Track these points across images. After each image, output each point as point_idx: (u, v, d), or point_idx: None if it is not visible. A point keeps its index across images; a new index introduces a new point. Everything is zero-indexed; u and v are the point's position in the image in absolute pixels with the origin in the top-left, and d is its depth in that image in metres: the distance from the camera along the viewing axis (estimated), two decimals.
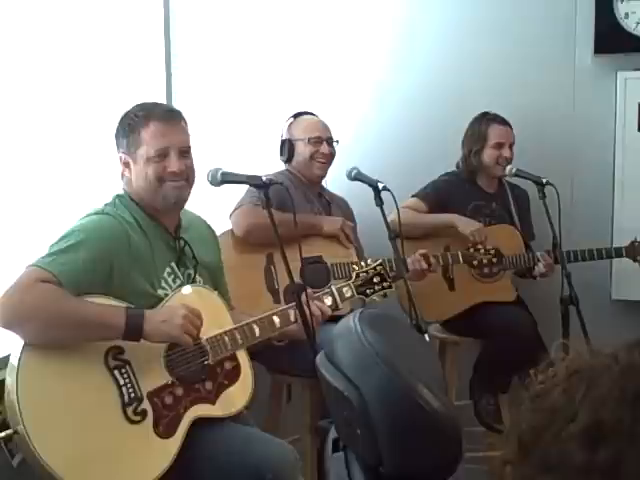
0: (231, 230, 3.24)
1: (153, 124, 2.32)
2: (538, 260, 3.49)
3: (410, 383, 1.12)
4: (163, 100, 3.54)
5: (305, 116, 3.48)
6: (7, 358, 2.18)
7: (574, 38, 3.76)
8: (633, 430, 0.76)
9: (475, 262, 3.40)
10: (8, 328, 2.09)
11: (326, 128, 3.44)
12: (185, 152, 2.38)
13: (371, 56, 4.01)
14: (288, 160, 3.43)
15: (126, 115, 2.39)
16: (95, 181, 3.12)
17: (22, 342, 2.09)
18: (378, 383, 1.13)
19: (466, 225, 3.51)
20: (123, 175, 2.41)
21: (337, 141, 3.44)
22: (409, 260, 3.18)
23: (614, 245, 3.62)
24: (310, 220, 3.28)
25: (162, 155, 2.32)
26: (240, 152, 3.82)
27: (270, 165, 3.43)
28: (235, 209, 3.25)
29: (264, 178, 2.48)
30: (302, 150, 3.39)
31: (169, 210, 2.41)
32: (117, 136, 2.40)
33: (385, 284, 2.78)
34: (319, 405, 3.09)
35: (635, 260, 3.53)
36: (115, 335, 2.14)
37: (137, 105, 2.42)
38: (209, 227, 2.65)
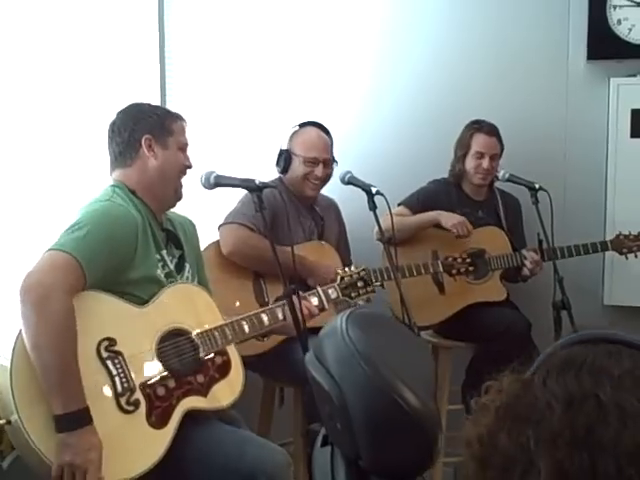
0: (218, 242, 3.13)
1: (179, 120, 2.50)
2: (525, 258, 3.50)
3: (388, 380, 1.13)
4: (157, 102, 3.55)
5: (308, 128, 3.30)
6: None
7: (567, 44, 3.77)
8: (595, 470, 0.71)
9: (454, 271, 3.45)
10: (32, 309, 2.06)
11: (325, 147, 3.27)
12: None
13: (364, 61, 4.03)
14: (283, 171, 3.30)
15: (151, 106, 2.52)
16: (90, 178, 3.13)
17: (16, 333, 2.08)
18: (356, 379, 1.15)
19: (448, 219, 3.52)
20: (133, 160, 2.43)
21: (336, 162, 3.30)
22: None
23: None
24: (301, 266, 3.05)
25: (183, 150, 2.49)
26: (232, 156, 3.83)
27: (262, 170, 3.34)
28: (226, 222, 3.13)
29: (257, 181, 2.50)
30: (297, 167, 3.26)
31: (170, 205, 2.52)
32: (139, 120, 2.44)
33: (369, 289, 2.88)
34: (310, 409, 3.08)
35: (621, 253, 3.57)
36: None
37: (150, 105, 2.54)
38: (186, 217, 2.70)
